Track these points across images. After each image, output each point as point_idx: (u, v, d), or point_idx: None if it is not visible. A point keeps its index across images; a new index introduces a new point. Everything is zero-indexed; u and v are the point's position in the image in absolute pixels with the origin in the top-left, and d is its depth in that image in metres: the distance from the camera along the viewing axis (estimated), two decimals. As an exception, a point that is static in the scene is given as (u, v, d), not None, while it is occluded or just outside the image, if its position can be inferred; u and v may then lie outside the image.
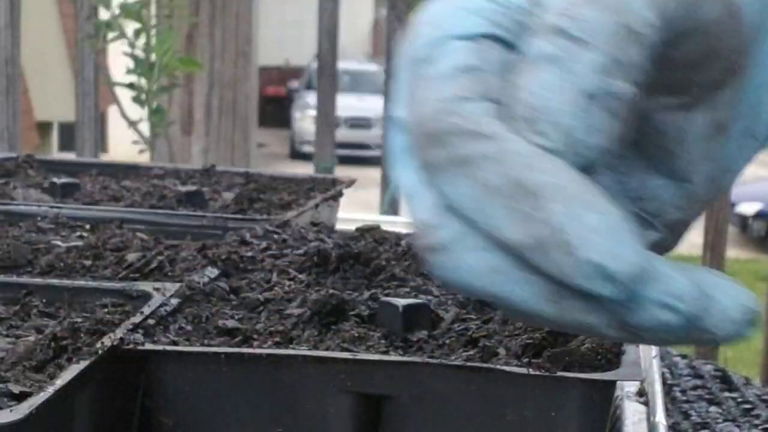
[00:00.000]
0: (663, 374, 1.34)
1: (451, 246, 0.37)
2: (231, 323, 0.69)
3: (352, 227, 0.93)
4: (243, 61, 2.80)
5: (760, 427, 1.24)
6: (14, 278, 0.77)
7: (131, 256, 0.83)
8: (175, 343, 0.65)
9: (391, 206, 3.27)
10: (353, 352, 0.65)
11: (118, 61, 2.50)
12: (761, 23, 0.42)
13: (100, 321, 0.66)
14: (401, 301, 0.69)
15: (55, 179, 1.12)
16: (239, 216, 1.01)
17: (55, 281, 0.76)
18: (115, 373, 0.62)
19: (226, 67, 2.76)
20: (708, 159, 0.43)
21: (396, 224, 1.16)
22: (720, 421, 1.27)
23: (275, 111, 17.53)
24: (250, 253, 0.84)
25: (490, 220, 0.36)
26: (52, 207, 1.00)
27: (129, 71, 2.18)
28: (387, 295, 0.74)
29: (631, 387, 0.76)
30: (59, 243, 0.87)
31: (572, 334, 0.63)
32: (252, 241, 0.88)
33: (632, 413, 0.73)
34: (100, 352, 0.60)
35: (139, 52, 2.17)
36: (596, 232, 0.35)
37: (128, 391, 0.64)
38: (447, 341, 0.66)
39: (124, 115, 2.37)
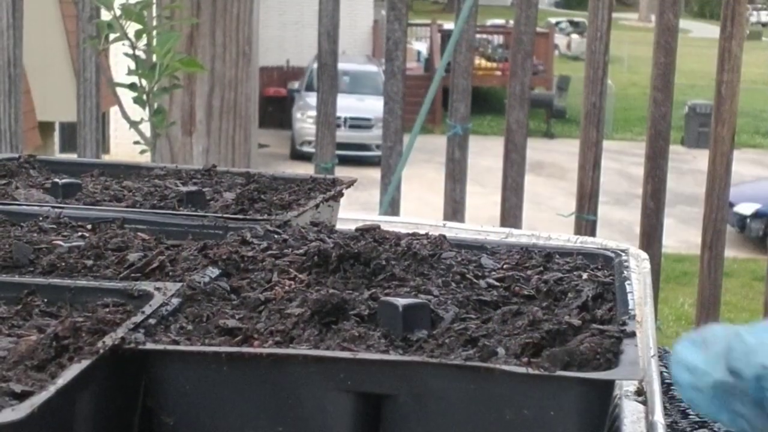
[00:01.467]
0: (661, 373, 1.34)
1: None
2: (232, 323, 0.69)
3: (352, 227, 0.94)
4: (244, 62, 2.79)
5: (758, 427, 1.24)
6: (16, 278, 0.77)
7: (132, 256, 0.83)
8: (176, 343, 0.66)
9: (390, 206, 3.27)
10: (353, 351, 0.65)
11: (120, 62, 2.50)
12: None
13: (101, 320, 0.66)
14: (401, 301, 0.69)
15: (56, 179, 1.12)
16: (240, 216, 1.01)
17: (56, 281, 0.76)
18: (116, 372, 0.62)
19: (227, 68, 2.75)
20: None
21: (396, 224, 1.16)
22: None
23: (276, 111, 17.52)
24: (250, 253, 0.84)
25: None
26: (53, 207, 1.01)
27: (130, 72, 2.18)
28: (387, 294, 0.74)
29: (629, 386, 0.77)
30: (61, 243, 0.87)
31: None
32: (253, 240, 0.89)
33: (631, 412, 0.73)
34: (101, 351, 0.60)
35: (141, 53, 2.17)
36: None
37: (129, 390, 0.64)
38: (446, 341, 0.66)
39: (125, 116, 2.37)
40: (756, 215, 10.67)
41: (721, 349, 0.46)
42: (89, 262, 0.82)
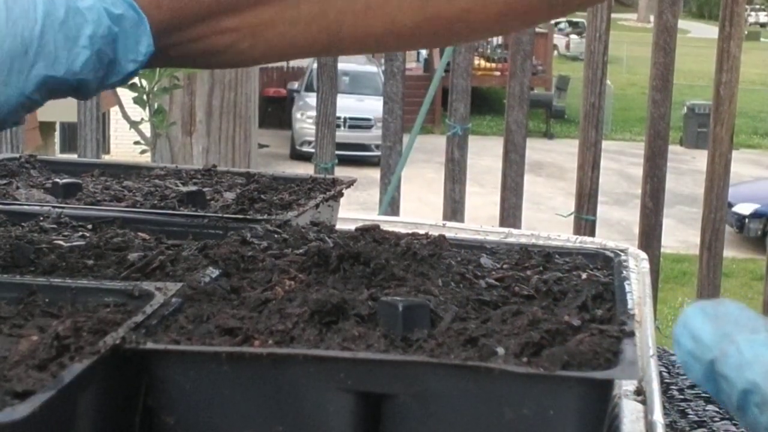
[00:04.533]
0: (660, 373, 1.34)
1: None
2: (232, 322, 0.69)
3: (352, 227, 0.94)
4: (243, 62, 2.80)
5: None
6: (17, 278, 0.78)
7: (133, 256, 0.83)
8: (176, 343, 0.66)
9: (390, 206, 3.27)
10: (353, 351, 0.65)
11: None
12: None
13: (102, 320, 0.66)
14: (401, 301, 0.69)
15: (57, 179, 1.12)
16: (240, 216, 1.01)
17: (57, 281, 0.76)
18: (117, 372, 0.63)
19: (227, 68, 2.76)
20: None
21: (396, 224, 1.17)
22: (717, 419, 1.28)
23: (276, 112, 17.53)
24: (250, 253, 0.85)
25: None
26: (54, 207, 1.01)
27: (130, 72, 2.18)
28: (387, 294, 0.74)
29: (628, 386, 0.77)
30: (62, 243, 0.87)
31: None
32: (253, 240, 0.89)
33: (630, 412, 0.74)
34: (102, 351, 0.61)
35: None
36: None
37: (130, 390, 0.65)
38: (446, 340, 0.66)
39: (125, 116, 2.38)
40: (754, 215, 10.70)
41: (727, 331, 0.49)
42: (90, 262, 0.83)
